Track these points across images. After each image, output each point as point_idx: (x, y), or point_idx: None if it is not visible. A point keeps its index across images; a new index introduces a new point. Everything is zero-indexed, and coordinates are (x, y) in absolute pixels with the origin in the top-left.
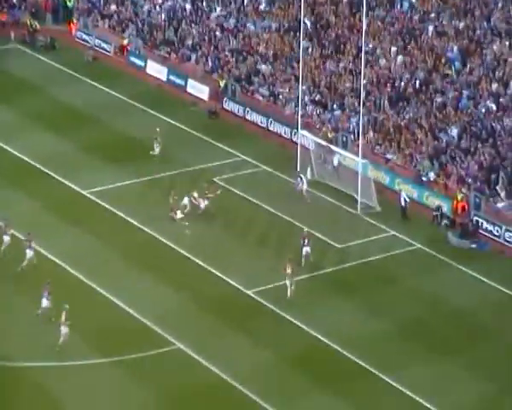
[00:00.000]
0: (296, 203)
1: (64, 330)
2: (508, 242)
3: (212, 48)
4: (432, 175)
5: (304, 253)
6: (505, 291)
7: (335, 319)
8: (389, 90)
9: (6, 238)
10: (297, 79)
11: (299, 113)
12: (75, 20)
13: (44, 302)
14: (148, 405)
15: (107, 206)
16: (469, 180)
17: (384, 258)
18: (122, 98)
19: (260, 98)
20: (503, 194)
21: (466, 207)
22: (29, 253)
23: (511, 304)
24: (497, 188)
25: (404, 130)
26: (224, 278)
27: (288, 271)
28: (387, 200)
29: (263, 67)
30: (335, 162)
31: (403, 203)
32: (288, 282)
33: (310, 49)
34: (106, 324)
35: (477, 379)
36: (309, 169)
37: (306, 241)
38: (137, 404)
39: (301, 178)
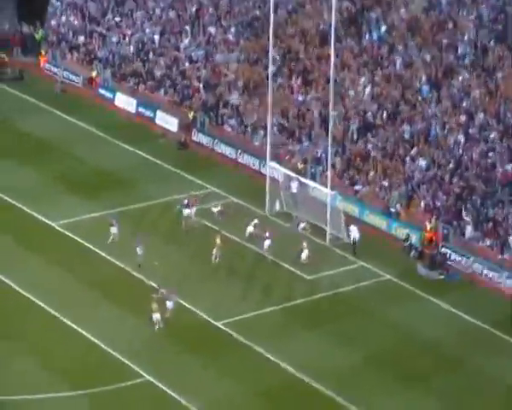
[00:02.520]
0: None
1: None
2: (476, 272)
3: (180, 78)
4: (399, 206)
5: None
6: (473, 322)
7: (306, 351)
8: (358, 120)
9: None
10: (265, 110)
11: (269, 144)
12: (44, 53)
13: None
14: None
15: (76, 238)
16: (438, 211)
17: (354, 289)
18: (91, 130)
19: (229, 129)
20: (470, 226)
21: (435, 237)
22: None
23: (479, 334)
24: (465, 219)
25: (372, 160)
26: (193, 309)
27: (154, 306)
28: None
29: (232, 98)
30: (294, 189)
31: (352, 239)
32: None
33: (279, 80)
34: (74, 355)
35: (446, 409)
36: (277, 201)
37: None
38: None
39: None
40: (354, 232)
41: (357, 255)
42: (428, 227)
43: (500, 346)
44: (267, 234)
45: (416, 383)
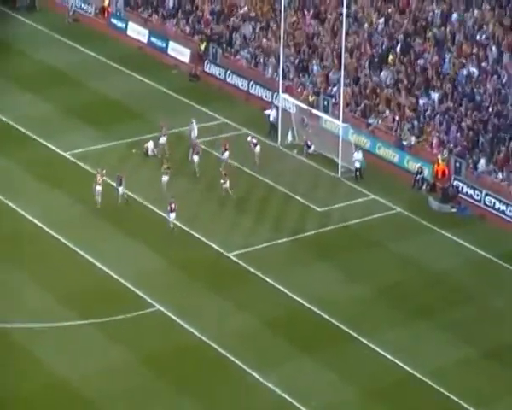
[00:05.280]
0: (277, 167)
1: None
2: (487, 206)
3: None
4: (413, 139)
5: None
6: (485, 255)
7: (316, 283)
8: (370, 52)
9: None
10: (277, 41)
11: (281, 75)
12: None
13: None
14: (128, 366)
15: (87, 168)
16: (450, 145)
17: (365, 222)
18: (103, 60)
19: (243, 62)
20: (483, 160)
21: (446, 171)
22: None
23: (491, 267)
24: (478, 153)
25: (384, 93)
26: (205, 240)
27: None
28: (369, 164)
29: (244, 28)
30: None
31: (357, 165)
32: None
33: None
34: (86, 285)
35: (457, 342)
36: (290, 132)
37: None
38: (117, 366)
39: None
40: (357, 159)
41: (362, 184)
42: (440, 160)
43: (510, 278)
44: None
45: (425, 315)
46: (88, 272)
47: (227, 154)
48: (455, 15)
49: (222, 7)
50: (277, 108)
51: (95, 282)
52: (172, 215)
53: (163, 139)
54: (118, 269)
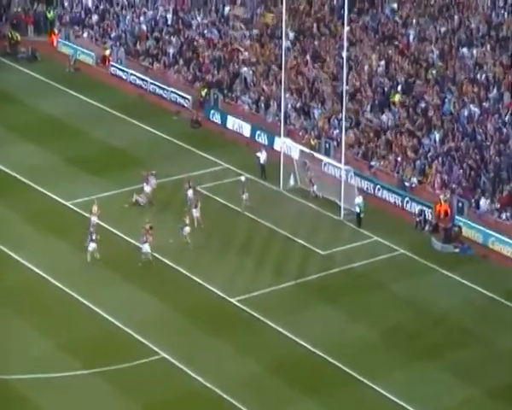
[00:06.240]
0: (278, 210)
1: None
2: (490, 246)
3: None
4: (415, 181)
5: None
6: (488, 295)
7: (320, 327)
8: (371, 95)
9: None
10: (278, 85)
11: (282, 120)
12: (56, 31)
13: None
14: None
15: (89, 216)
16: (453, 185)
17: (368, 264)
18: (105, 109)
19: (245, 107)
20: (485, 199)
21: (449, 211)
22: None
23: (495, 307)
24: (480, 193)
25: (385, 135)
26: (208, 286)
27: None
28: (371, 206)
29: (244, 73)
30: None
31: (357, 209)
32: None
33: (292, 55)
34: (88, 334)
35: (460, 384)
36: (292, 176)
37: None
38: None
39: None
40: (359, 203)
41: (365, 226)
42: (442, 200)
43: None
44: None
45: (430, 356)
46: (90, 321)
47: (191, 191)
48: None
49: (223, 53)
50: (266, 149)
51: (97, 330)
52: (146, 246)
53: (147, 188)
54: (120, 316)
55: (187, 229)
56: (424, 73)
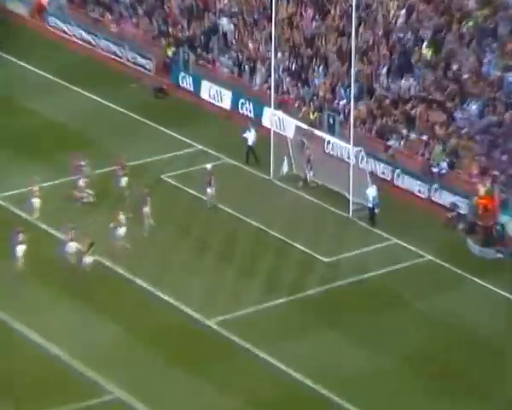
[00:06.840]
0: (268, 205)
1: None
2: None
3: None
4: (445, 166)
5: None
6: None
7: (321, 355)
8: (388, 54)
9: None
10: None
11: (273, 87)
12: None
13: None
14: None
15: (23, 215)
16: (494, 172)
17: (384, 274)
18: (41, 73)
19: (225, 70)
20: None
21: (490, 205)
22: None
23: None
24: None
25: (407, 107)
26: (176, 304)
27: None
28: (389, 199)
29: (224, 27)
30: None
31: (370, 204)
32: None
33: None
34: (29, 369)
35: None
36: (285, 161)
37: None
38: None
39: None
40: (372, 195)
41: (380, 225)
42: (482, 192)
43: None
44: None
45: (469, 394)
46: (23, 351)
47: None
48: None
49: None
50: (256, 127)
51: (33, 364)
52: (72, 245)
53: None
54: (66, 346)
55: (122, 230)
56: (457, 25)
